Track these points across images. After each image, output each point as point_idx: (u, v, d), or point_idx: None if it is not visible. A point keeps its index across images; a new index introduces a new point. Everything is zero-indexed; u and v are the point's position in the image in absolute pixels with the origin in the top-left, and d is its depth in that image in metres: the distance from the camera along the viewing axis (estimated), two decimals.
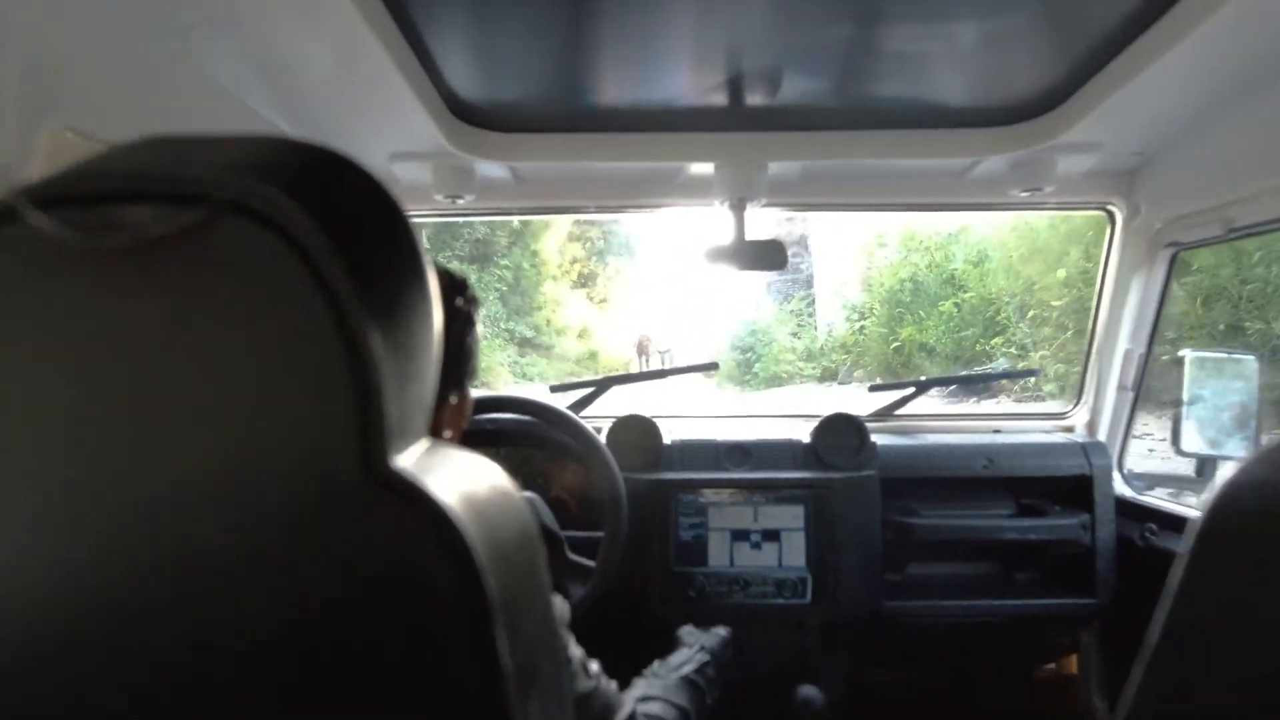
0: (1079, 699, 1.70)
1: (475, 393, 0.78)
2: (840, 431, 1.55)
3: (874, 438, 1.55)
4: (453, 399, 0.70)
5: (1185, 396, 1.44)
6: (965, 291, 9.54)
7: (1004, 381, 7.85)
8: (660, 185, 1.58)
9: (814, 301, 14.78)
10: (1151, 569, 1.44)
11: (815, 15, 0.96)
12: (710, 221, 1.59)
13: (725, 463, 1.53)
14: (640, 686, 1.03)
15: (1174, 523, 1.44)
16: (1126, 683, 0.47)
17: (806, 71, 1.15)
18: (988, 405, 6.80)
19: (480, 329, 0.79)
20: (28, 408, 0.33)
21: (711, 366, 2.32)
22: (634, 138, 1.37)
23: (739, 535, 1.48)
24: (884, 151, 1.37)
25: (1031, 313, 8.26)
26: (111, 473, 0.33)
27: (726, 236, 1.45)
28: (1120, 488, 1.58)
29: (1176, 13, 0.91)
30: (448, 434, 0.70)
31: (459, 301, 0.73)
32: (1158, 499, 1.53)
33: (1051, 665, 1.80)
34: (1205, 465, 1.45)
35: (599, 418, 1.61)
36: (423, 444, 0.38)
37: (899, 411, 1.76)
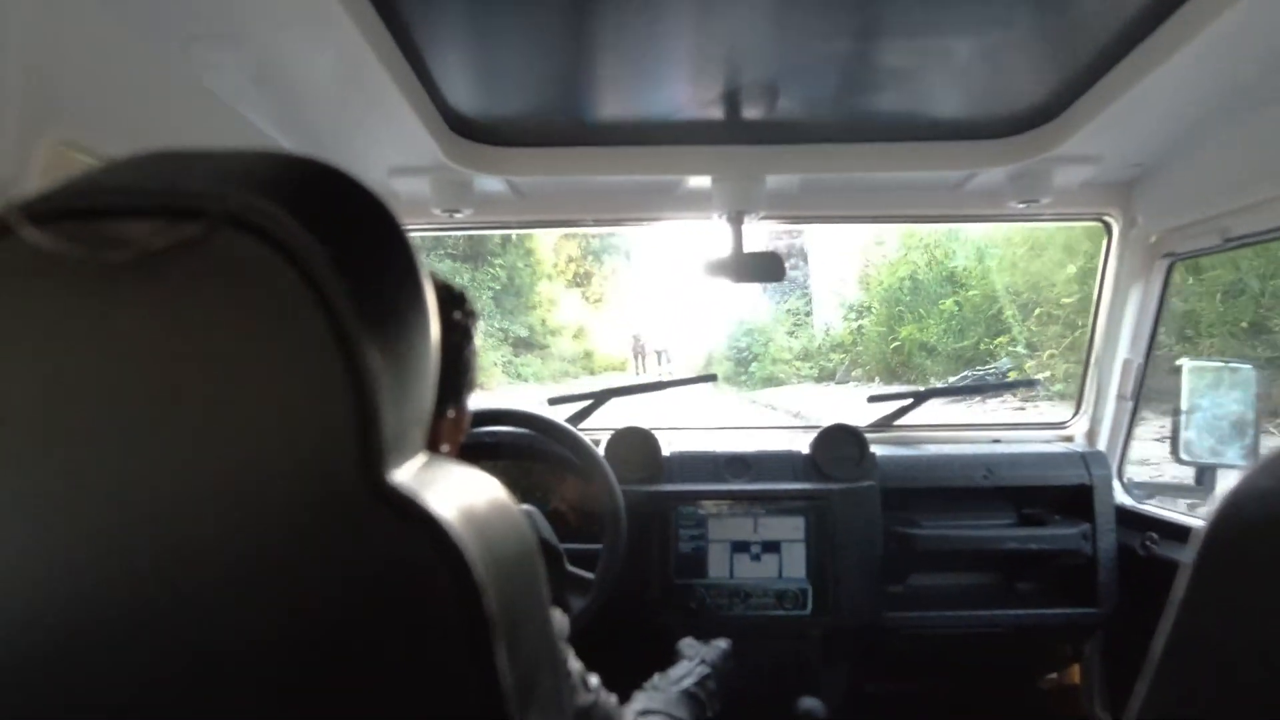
0: (1082, 710, 1.69)
1: (473, 406, 0.77)
2: (840, 442, 1.55)
3: (873, 448, 1.55)
4: (450, 413, 0.70)
5: (1184, 406, 1.44)
6: (967, 290, 9.47)
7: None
8: (658, 198, 1.58)
9: (811, 301, 14.78)
10: (1153, 578, 1.44)
11: (813, 29, 0.97)
12: (707, 229, 1.60)
13: (725, 474, 1.53)
14: (640, 700, 1.02)
15: (1175, 532, 1.43)
16: (1131, 694, 0.46)
17: (804, 85, 1.15)
18: (992, 405, 6.72)
19: (478, 341, 0.79)
20: (26, 421, 0.33)
21: (709, 379, 2.33)
22: (632, 151, 1.37)
23: (739, 547, 1.48)
24: (881, 164, 1.38)
25: (1039, 310, 8.15)
26: (109, 486, 0.33)
27: (724, 249, 1.45)
28: (1120, 497, 1.58)
29: (1172, 25, 0.92)
30: (445, 448, 0.70)
31: (457, 314, 0.73)
32: (1158, 508, 1.53)
33: (1054, 676, 1.79)
34: (1204, 474, 1.45)
35: (597, 430, 1.61)
36: (420, 458, 0.38)
37: (898, 422, 1.76)
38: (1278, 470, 0.40)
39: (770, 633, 1.47)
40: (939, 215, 1.65)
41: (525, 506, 1.34)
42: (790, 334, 14.48)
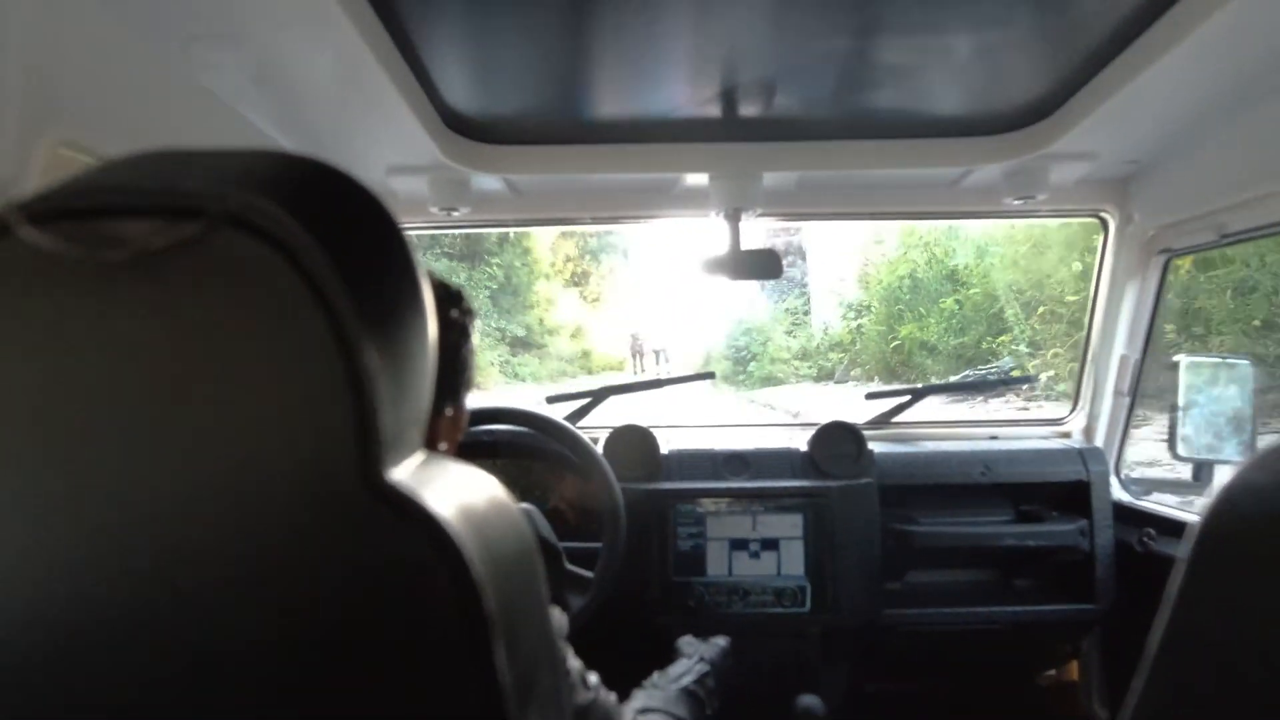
0: (1080, 706, 1.69)
1: (471, 404, 0.77)
2: (838, 440, 1.55)
3: (871, 445, 1.55)
4: (448, 411, 0.70)
5: (1181, 402, 1.45)
6: (969, 288, 9.39)
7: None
8: (656, 196, 1.58)
9: (809, 300, 14.74)
10: (1151, 574, 1.44)
11: (809, 27, 0.97)
12: (705, 226, 1.60)
13: (723, 472, 1.53)
14: (640, 698, 1.02)
15: (1172, 527, 1.44)
16: (1129, 690, 0.47)
17: (801, 82, 1.15)
18: (995, 404, 6.71)
19: (476, 340, 0.79)
20: (25, 422, 0.33)
21: (708, 376, 2.33)
22: (629, 149, 1.37)
23: (737, 545, 1.48)
24: (878, 161, 1.38)
25: (1042, 309, 8.08)
26: (109, 486, 0.33)
27: (722, 247, 1.45)
28: (1118, 493, 1.58)
29: (1166, 23, 0.92)
30: (443, 446, 0.70)
31: (454, 313, 0.73)
32: (1155, 504, 1.53)
33: (1052, 672, 1.79)
34: (1202, 470, 1.46)
35: (596, 428, 1.61)
36: (419, 457, 0.38)
37: (896, 419, 1.76)
38: (1272, 464, 0.40)
39: (769, 630, 1.47)
40: (936, 212, 1.65)
41: (524, 505, 1.34)
42: (788, 333, 14.45)
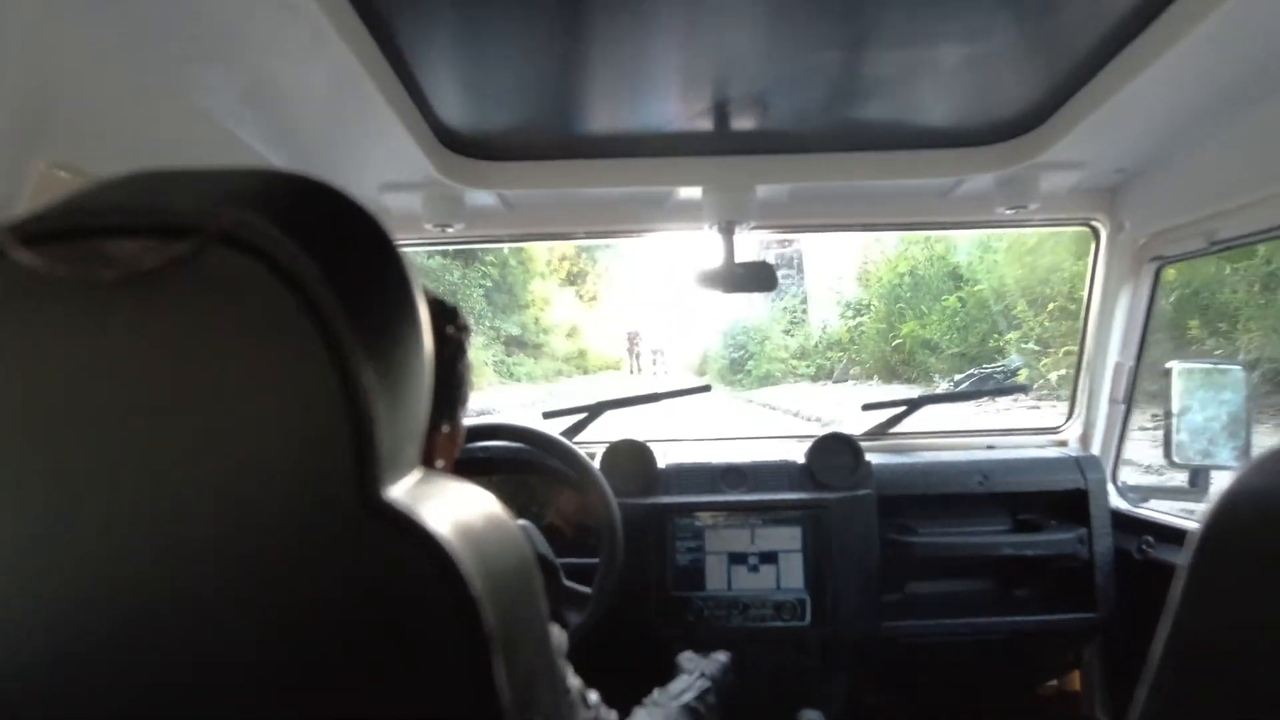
0: (1083, 716, 1.68)
1: (467, 421, 0.77)
2: (835, 451, 1.55)
3: (868, 456, 1.55)
4: (445, 428, 0.69)
5: (1174, 408, 1.45)
6: (973, 285, 9.21)
7: (1021, 382, 7.58)
8: (649, 210, 1.59)
9: (807, 299, 14.72)
10: (1150, 582, 1.44)
11: (801, 41, 0.98)
12: (699, 238, 1.61)
13: (721, 485, 1.53)
14: (640, 716, 1.01)
15: (1170, 535, 1.44)
16: (1132, 699, 0.46)
17: (792, 95, 1.16)
18: (1004, 403, 6.65)
19: (471, 355, 0.79)
20: (18, 441, 0.32)
21: (703, 389, 2.32)
22: (622, 163, 1.38)
23: (736, 558, 1.47)
24: (871, 173, 1.39)
25: (1052, 305, 7.85)
26: (103, 504, 0.32)
27: (716, 260, 1.46)
28: (1115, 501, 1.58)
29: (1152, 33, 0.93)
30: (440, 463, 0.70)
31: (449, 329, 0.73)
32: (1153, 511, 1.53)
33: (1054, 682, 1.78)
34: (1198, 476, 1.46)
35: (592, 443, 1.61)
36: (415, 474, 0.38)
37: (892, 429, 1.76)
38: (1270, 469, 0.40)
39: (769, 643, 1.46)
40: (928, 222, 1.66)
41: (521, 521, 1.33)
42: (786, 332, 14.40)
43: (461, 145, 1.31)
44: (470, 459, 1.50)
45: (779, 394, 11.61)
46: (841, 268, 13.15)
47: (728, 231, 1.45)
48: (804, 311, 14.57)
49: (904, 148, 1.36)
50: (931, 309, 9.80)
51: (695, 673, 1.16)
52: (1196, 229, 1.35)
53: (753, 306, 15.20)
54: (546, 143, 1.32)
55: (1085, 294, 1.66)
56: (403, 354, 0.37)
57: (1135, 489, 1.63)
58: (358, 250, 0.38)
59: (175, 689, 0.33)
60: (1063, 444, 1.73)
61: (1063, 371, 7.30)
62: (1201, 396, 1.45)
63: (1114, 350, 1.61)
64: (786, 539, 1.47)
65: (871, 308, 11.48)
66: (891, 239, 11.17)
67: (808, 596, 1.45)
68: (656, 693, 1.09)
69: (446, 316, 0.74)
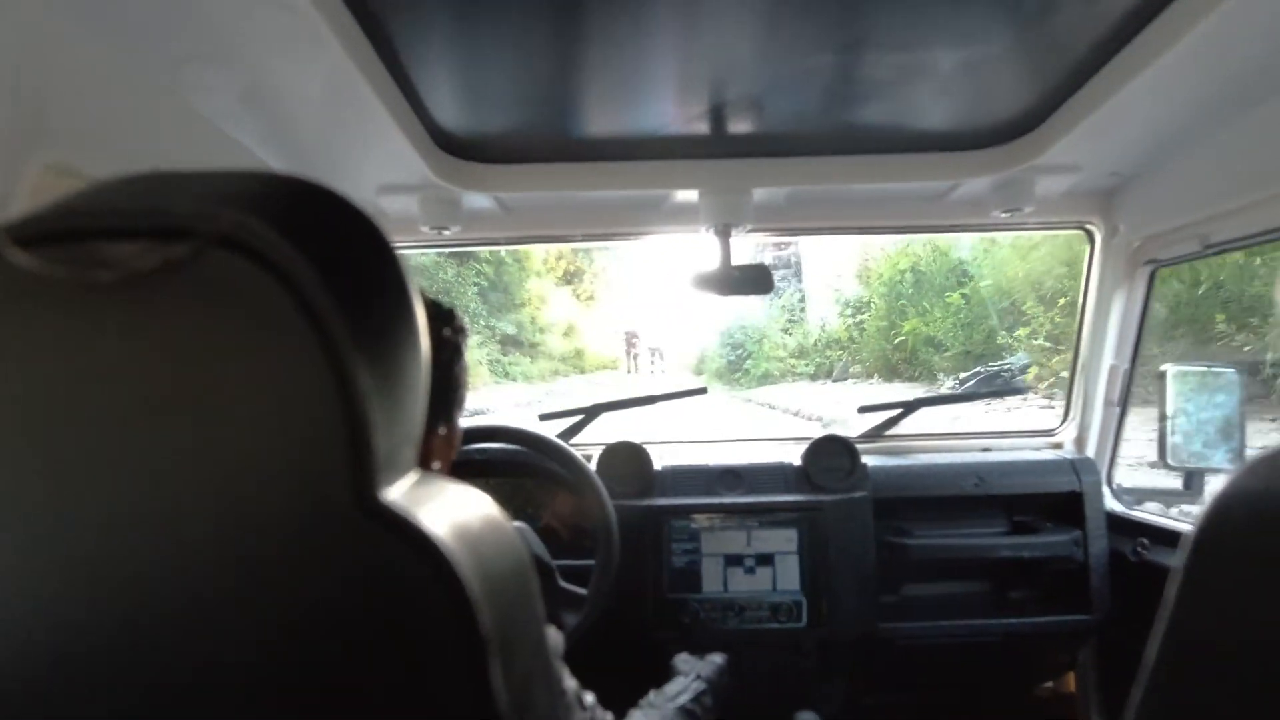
0: (1079, 717, 1.69)
1: (464, 423, 0.77)
2: (831, 453, 1.55)
3: (864, 459, 1.55)
4: (441, 430, 0.69)
5: (1169, 411, 1.45)
6: (978, 280, 9.03)
7: (1031, 380, 7.49)
8: (646, 213, 1.59)
9: (806, 297, 14.66)
10: (1145, 584, 1.44)
11: (797, 44, 0.98)
12: (695, 240, 1.61)
13: (717, 487, 1.53)
14: (636, 718, 1.01)
15: (1165, 537, 1.44)
16: (1127, 700, 0.46)
17: (789, 99, 1.16)
18: (1014, 402, 6.61)
19: (468, 357, 0.79)
20: (14, 443, 0.32)
21: (700, 392, 2.32)
22: (619, 166, 1.38)
23: (732, 560, 1.47)
24: (867, 176, 1.39)
25: (1063, 300, 7.63)
26: (101, 505, 0.32)
27: (712, 262, 1.46)
28: (1110, 503, 1.59)
29: (1146, 37, 0.94)
30: (437, 465, 0.70)
31: (446, 332, 0.73)
32: (1148, 513, 1.54)
33: (1050, 684, 1.79)
34: (1193, 479, 1.46)
35: (589, 445, 1.61)
36: (412, 476, 0.38)
37: (888, 432, 1.77)
38: (1263, 472, 0.40)
39: (765, 646, 1.46)
40: (925, 225, 1.67)
41: (517, 523, 1.33)
42: (785, 331, 14.34)
43: (458, 148, 1.31)
44: (467, 461, 1.50)
45: (778, 393, 11.56)
46: (841, 266, 13.11)
47: (724, 234, 1.46)
48: (802, 310, 14.53)
49: (900, 151, 1.37)
50: (934, 306, 9.67)
51: (691, 675, 1.16)
52: (1191, 232, 1.35)
53: (750, 306, 15.14)
54: (543, 145, 1.32)
55: (1080, 297, 1.67)
56: (400, 356, 0.37)
57: (1130, 491, 1.64)
58: (355, 253, 0.38)
59: (172, 689, 0.33)
60: (1058, 446, 1.73)
61: None
62: (1196, 399, 1.45)
63: (1109, 353, 1.62)
64: (783, 541, 1.47)
65: (872, 305, 11.37)
66: (892, 236, 11.02)
67: (804, 598, 1.45)
68: (653, 694, 1.09)
69: (443, 319, 0.73)
